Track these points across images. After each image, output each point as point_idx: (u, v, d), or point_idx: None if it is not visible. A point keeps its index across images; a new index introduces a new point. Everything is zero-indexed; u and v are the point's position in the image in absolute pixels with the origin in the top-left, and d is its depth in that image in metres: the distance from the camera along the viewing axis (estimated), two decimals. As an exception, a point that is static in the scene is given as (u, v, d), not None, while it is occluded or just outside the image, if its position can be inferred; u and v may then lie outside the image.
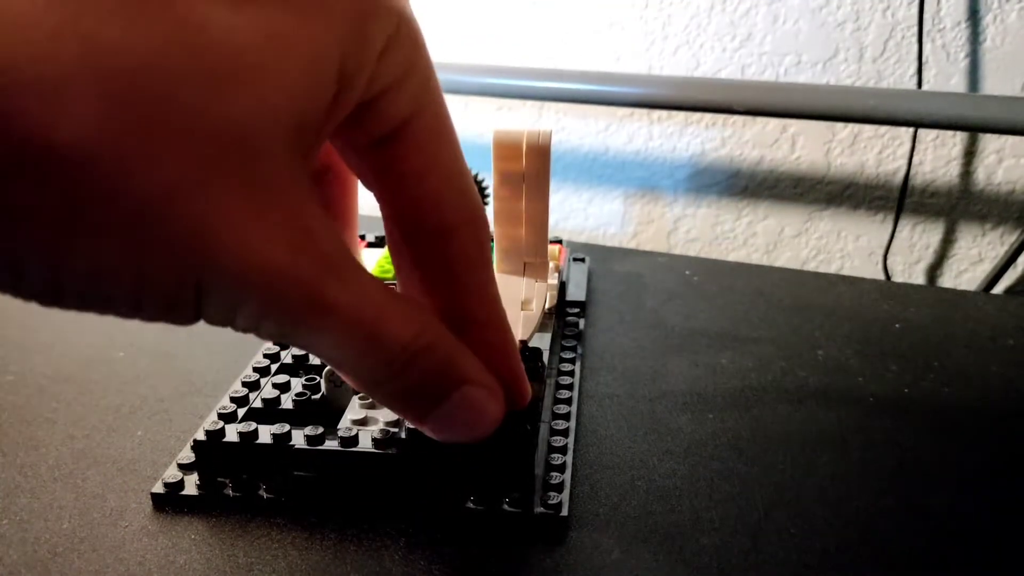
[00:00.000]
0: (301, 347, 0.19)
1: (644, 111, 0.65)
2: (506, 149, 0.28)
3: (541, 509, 0.28)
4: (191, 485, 0.30)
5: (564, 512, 0.28)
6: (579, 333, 0.41)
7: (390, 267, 0.41)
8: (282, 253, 0.17)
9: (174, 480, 0.30)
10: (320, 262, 0.18)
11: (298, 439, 0.28)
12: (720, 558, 0.27)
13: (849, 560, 0.27)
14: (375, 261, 0.42)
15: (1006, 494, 0.30)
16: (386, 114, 0.19)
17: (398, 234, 0.22)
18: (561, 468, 0.30)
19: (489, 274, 0.22)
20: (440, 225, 0.21)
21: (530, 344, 0.32)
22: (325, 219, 0.18)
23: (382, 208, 0.22)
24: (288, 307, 0.17)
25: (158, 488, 0.30)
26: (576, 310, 0.43)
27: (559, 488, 0.29)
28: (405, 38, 0.18)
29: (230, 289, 0.17)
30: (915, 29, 0.55)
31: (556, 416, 0.33)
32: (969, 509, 0.30)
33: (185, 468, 0.30)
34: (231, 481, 0.30)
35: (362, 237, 0.46)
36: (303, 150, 0.17)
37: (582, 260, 0.49)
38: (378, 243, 0.46)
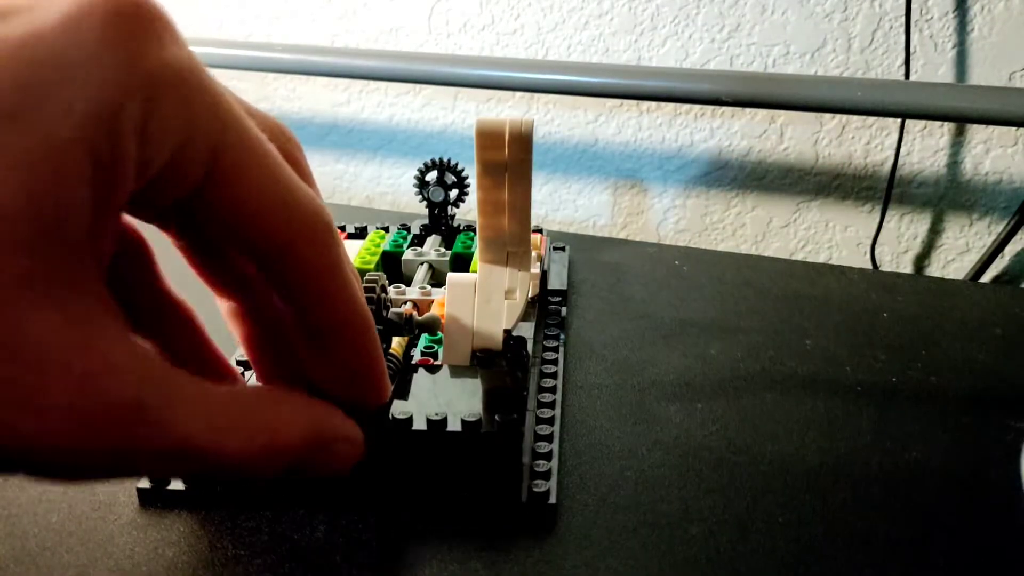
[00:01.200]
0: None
1: (633, 102, 0.64)
2: (489, 139, 0.28)
3: (528, 497, 0.28)
4: (177, 480, 0.30)
5: (552, 500, 0.28)
6: (562, 322, 0.41)
7: (371, 258, 0.41)
8: (73, 423, 0.16)
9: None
10: (130, 401, 0.16)
11: None
12: (709, 547, 0.27)
13: (837, 549, 0.27)
14: (355, 252, 0.41)
15: (993, 483, 0.31)
16: (174, 183, 0.18)
17: (239, 264, 0.22)
18: (548, 456, 0.30)
19: (341, 279, 0.21)
20: (273, 247, 0.20)
21: (514, 333, 0.32)
22: (125, 343, 0.17)
23: (202, 253, 0.21)
24: (106, 453, 0.16)
25: (143, 484, 0.29)
26: (558, 299, 0.43)
27: (546, 476, 0.29)
28: (166, 112, 0.17)
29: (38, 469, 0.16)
30: (903, 19, 0.55)
31: (541, 404, 0.33)
32: (956, 498, 0.30)
33: None
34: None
35: (342, 228, 0.46)
36: (66, 266, 0.16)
37: (562, 249, 0.49)
38: (358, 234, 0.46)
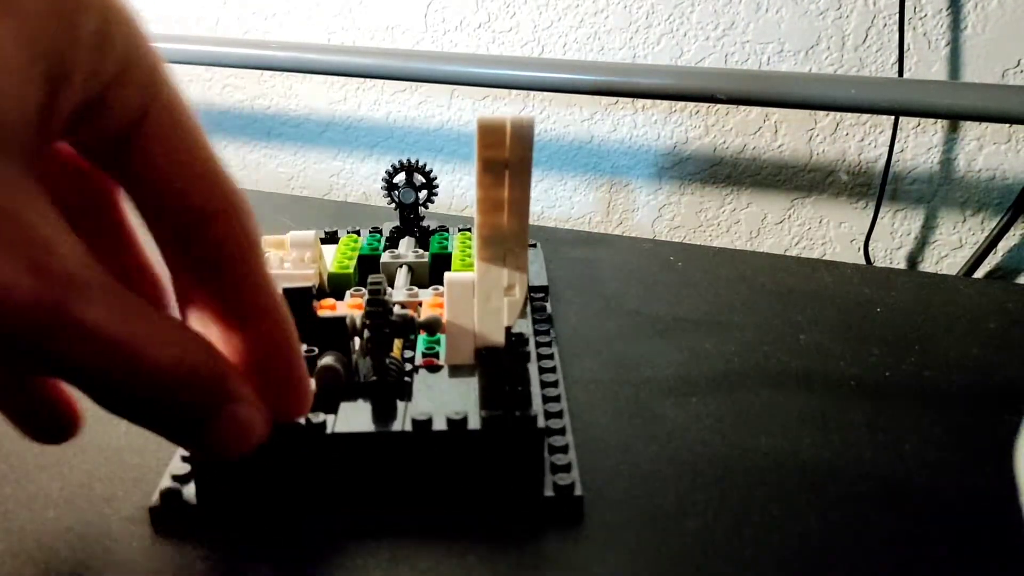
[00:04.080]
0: (52, 373, 0.19)
1: (628, 100, 0.65)
2: (490, 136, 0.28)
3: (551, 493, 0.29)
4: (189, 495, 0.29)
5: (578, 491, 0.29)
6: (549, 317, 0.41)
7: (348, 262, 0.40)
8: (14, 271, 0.16)
9: (172, 491, 0.28)
10: (63, 278, 0.17)
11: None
12: (704, 541, 0.28)
13: (831, 542, 0.28)
14: (331, 256, 0.41)
15: (987, 476, 0.31)
16: (115, 110, 0.19)
17: (160, 233, 0.21)
18: (564, 449, 0.30)
19: (257, 263, 0.21)
20: (194, 216, 0.20)
21: (514, 330, 0.32)
22: (63, 230, 0.17)
23: (139, 208, 0.21)
24: (29, 328, 0.17)
25: (155, 501, 0.29)
26: (541, 295, 0.43)
27: (567, 468, 0.29)
28: (118, 31, 0.18)
29: None
30: (896, 17, 0.56)
31: (547, 399, 0.33)
32: (950, 491, 0.30)
33: (180, 479, 0.29)
34: (233, 483, 0.29)
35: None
36: (20, 156, 0.17)
37: (534, 245, 0.49)
38: (329, 238, 0.45)
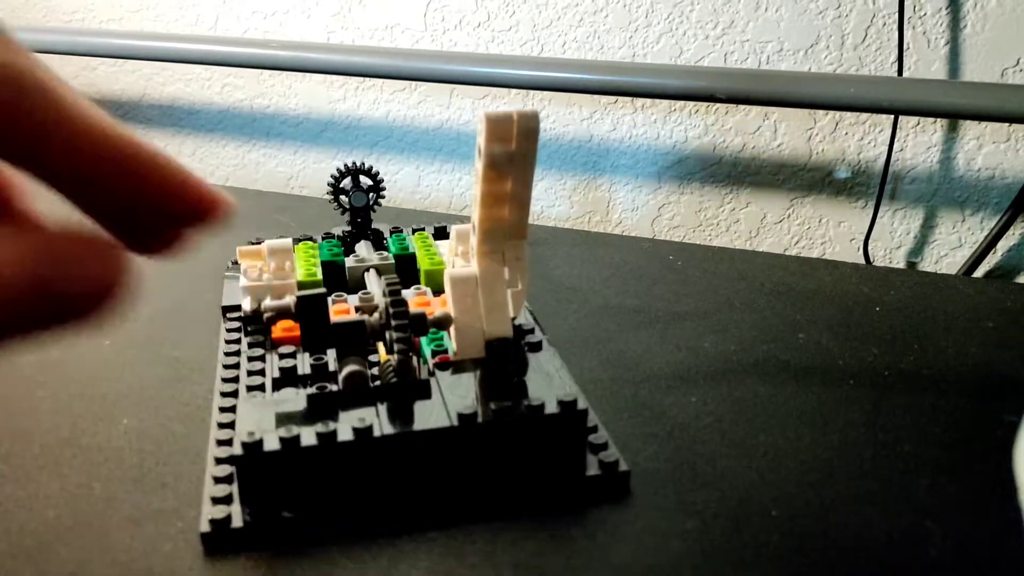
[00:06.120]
0: None
1: (628, 99, 0.65)
2: (497, 130, 0.28)
3: (600, 468, 0.29)
4: (237, 517, 0.28)
5: (623, 467, 0.30)
6: (528, 309, 0.41)
7: (314, 269, 0.39)
8: None
9: (222, 516, 0.27)
10: None
11: (345, 432, 0.27)
12: (703, 541, 0.28)
13: (830, 542, 0.28)
14: (299, 257, 0.40)
15: (984, 475, 0.31)
16: None
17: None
18: (596, 429, 0.31)
19: (82, 104, 0.17)
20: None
21: (516, 320, 0.32)
22: None
23: None
24: None
25: (204, 527, 0.27)
26: None
27: (605, 446, 0.30)
28: None
29: None
30: (896, 16, 0.56)
31: None
32: (949, 489, 0.30)
33: (220, 501, 0.28)
34: (281, 501, 0.28)
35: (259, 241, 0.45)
36: None
37: None
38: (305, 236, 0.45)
